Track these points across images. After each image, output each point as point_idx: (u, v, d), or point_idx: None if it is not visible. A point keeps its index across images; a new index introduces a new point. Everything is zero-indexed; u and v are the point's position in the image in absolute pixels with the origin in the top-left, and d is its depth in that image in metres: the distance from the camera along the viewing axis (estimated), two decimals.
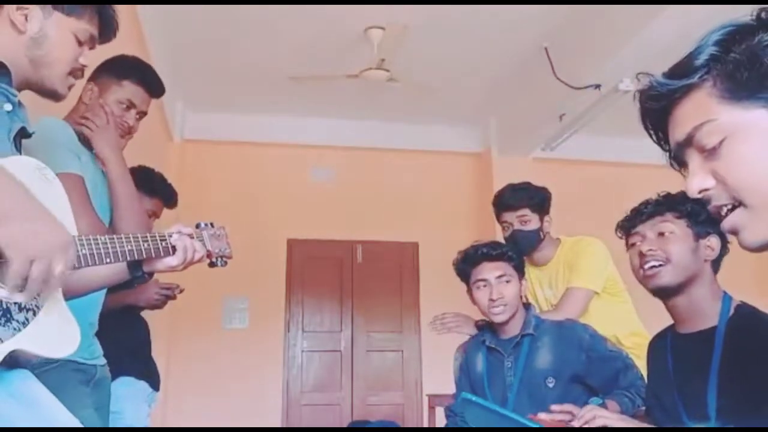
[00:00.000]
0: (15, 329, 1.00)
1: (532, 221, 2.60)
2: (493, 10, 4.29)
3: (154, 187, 2.70)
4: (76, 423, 1.10)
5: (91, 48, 1.36)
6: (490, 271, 2.10)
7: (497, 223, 2.72)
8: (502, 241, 2.53)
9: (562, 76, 4.53)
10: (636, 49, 3.92)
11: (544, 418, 1.72)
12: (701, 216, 1.59)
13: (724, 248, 1.61)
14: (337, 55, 4.89)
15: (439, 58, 5.00)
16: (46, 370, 1.47)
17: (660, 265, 1.58)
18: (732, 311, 1.51)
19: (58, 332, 1.07)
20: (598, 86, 4.37)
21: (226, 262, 1.55)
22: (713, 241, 1.59)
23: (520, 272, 2.16)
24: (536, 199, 2.63)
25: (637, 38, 3.88)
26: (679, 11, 3.51)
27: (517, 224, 2.60)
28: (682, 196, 1.62)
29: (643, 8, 3.72)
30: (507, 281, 2.10)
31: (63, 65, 1.29)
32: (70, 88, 1.34)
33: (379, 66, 4.61)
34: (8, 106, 1.18)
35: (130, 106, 1.86)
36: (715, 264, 1.61)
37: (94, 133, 1.81)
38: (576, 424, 1.63)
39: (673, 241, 1.59)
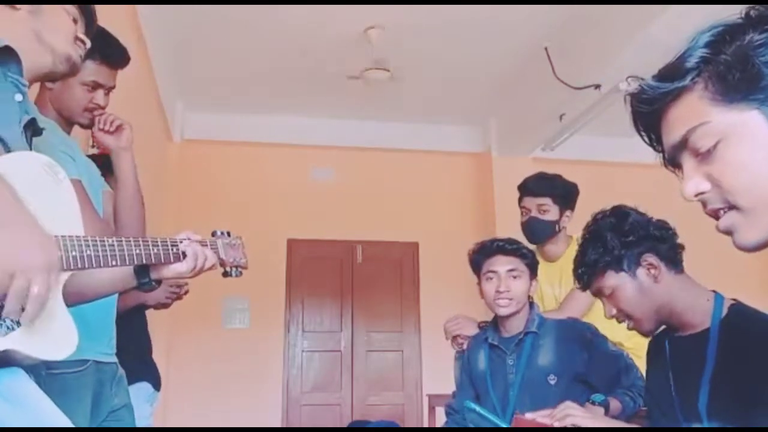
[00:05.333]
0: (8, 328, 0.98)
1: (551, 212, 2.59)
2: (493, 10, 4.30)
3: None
4: (69, 424, 1.09)
5: (76, 21, 1.34)
6: (501, 263, 2.12)
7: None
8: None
9: (562, 76, 4.53)
10: (636, 50, 3.92)
11: (528, 417, 1.73)
12: (616, 252, 1.55)
13: (667, 248, 1.55)
14: (338, 55, 4.89)
15: (440, 58, 5.00)
16: (66, 373, 1.48)
17: (632, 322, 1.59)
18: (725, 311, 1.48)
19: (54, 334, 1.05)
20: (598, 86, 4.37)
21: (240, 273, 1.52)
22: (649, 259, 1.54)
23: (532, 271, 2.16)
24: (560, 190, 2.62)
25: (637, 38, 3.88)
26: (680, 11, 3.52)
27: (535, 212, 2.59)
28: (584, 252, 1.60)
29: (644, 8, 3.72)
30: (516, 276, 2.11)
31: (66, 31, 1.28)
32: (81, 57, 1.32)
33: (379, 66, 4.61)
34: (19, 97, 1.16)
35: (96, 86, 1.79)
36: (675, 264, 1.56)
37: (119, 153, 1.85)
38: (547, 422, 1.64)
39: (620, 298, 1.56)
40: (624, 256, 1.55)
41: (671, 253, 1.56)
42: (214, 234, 1.48)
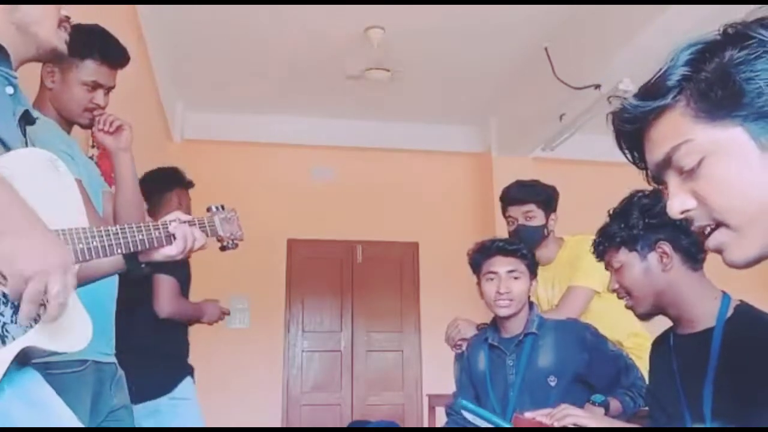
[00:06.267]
0: (26, 326, 0.99)
1: (537, 217, 2.60)
2: (493, 10, 4.30)
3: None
4: (80, 426, 1.11)
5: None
6: (501, 264, 2.12)
7: (498, 222, 2.73)
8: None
9: (562, 76, 4.53)
10: (636, 50, 3.92)
11: (528, 416, 1.73)
12: (635, 232, 1.59)
13: (688, 242, 1.56)
14: (338, 55, 4.89)
15: (440, 58, 5.00)
16: (66, 373, 1.48)
17: (630, 300, 1.62)
18: (731, 311, 1.48)
19: (70, 327, 1.06)
20: (598, 86, 4.36)
21: (237, 245, 1.55)
22: (664, 247, 1.57)
23: (532, 272, 2.17)
24: (543, 195, 2.64)
25: (637, 38, 3.87)
26: (679, 11, 3.51)
27: (522, 219, 2.60)
28: (609, 224, 1.66)
29: (644, 8, 3.72)
30: (516, 277, 2.11)
31: (49, 19, 1.27)
32: (66, 43, 1.32)
33: (379, 66, 4.61)
34: (10, 90, 1.17)
35: (96, 86, 1.79)
36: (691, 260, 1.57)
37: (118, 153, 1.86)
38: (547, 421, 1.65)
39: (624, 273, 1.61)
40: (641, 237, 1.59)
41: (691, 249, 1.57)
42: (209, 209, 1.49)
